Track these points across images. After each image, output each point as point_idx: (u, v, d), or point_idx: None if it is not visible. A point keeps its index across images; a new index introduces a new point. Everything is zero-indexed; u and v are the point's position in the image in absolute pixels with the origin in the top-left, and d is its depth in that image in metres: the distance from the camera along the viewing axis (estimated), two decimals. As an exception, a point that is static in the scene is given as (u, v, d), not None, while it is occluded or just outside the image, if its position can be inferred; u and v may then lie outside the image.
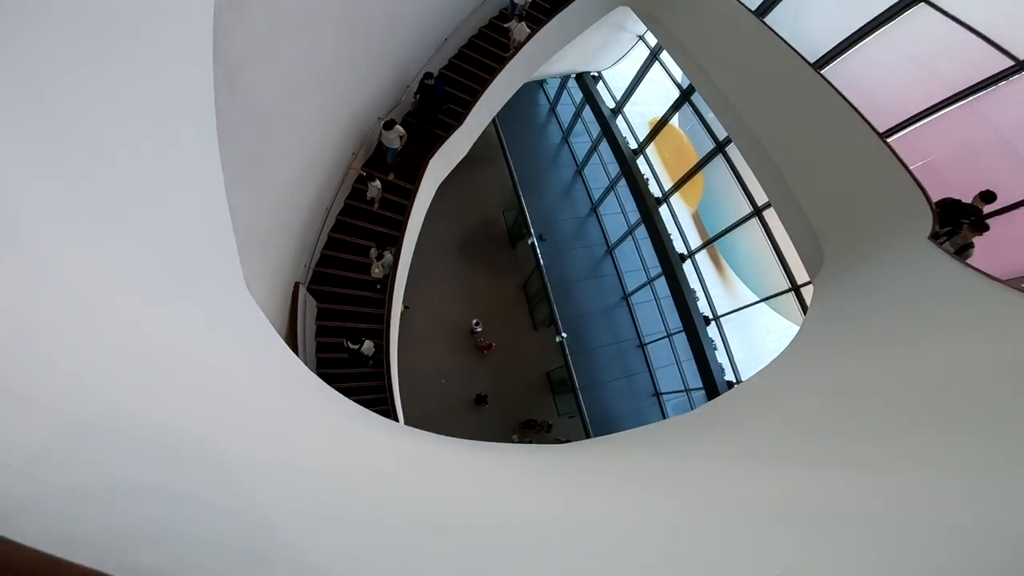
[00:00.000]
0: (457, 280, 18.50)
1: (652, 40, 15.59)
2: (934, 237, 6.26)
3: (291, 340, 8.66)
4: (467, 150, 11.85)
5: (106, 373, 1.70)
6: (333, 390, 5.42)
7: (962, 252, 6.23)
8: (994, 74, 8.08)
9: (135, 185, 2.54)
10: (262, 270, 7.44)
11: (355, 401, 5.50)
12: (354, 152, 10.30)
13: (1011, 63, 7.87)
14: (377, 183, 9.97)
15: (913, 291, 5.93)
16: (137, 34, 2.48)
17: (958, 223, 6.93)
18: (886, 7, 9.33)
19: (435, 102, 10.45)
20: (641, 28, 15.99)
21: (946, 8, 8.68)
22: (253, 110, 6.53)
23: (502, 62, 11.00)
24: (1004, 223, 7.50)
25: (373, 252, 9.99)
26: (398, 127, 9.69)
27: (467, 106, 10.78)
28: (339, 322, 10.19)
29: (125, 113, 2.48)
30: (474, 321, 17.37)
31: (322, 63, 8.08)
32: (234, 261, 4.02)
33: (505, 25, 11.51)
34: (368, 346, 9.71)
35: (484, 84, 10.88)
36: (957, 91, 8.47)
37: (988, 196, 7.13)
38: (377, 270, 10.10)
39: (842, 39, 10.02)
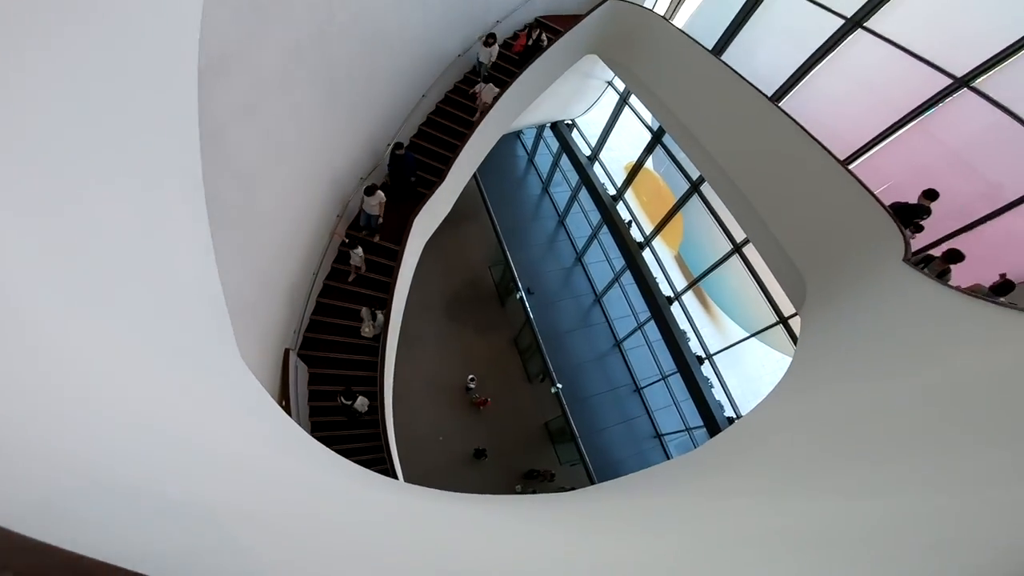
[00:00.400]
0: (448, 339, 18.51)
1: (621, 85, 16.09)
2: (912, 260, 6.46)
3: (284, 406, 8.60)
4: (450, 207, 12.00)
5: (109, 447, 1.71)
6: (334, 453, 5.38)
7: (942, 277, 6.39)
8: (935, 93, 8.44)
9: (126, 260, 2.56)
10: (251, 338, 7.45)
11: (354, 462, 5.44)
12: (338, 215, 10.43)
13: (949, 80, 8.24)
14: (359, 250, 10.05)
15: (895, 314, 6.09)
16: (123, 107, 2.54)
17: (912, 223, 7.50)
18: (827, 37, 9.77)
19: (405, 172, 10.63)
20: (609, 74, 16.52)
21: (881, 32, 9.12)
22: (237, 175, 6.66)
23: (471, 126, 11.19)
24: (975, 239, 7.70)
25: (364, 312, 10.02)
26: (379, 192, 9.81)
27: (447, 162, 10.94)
28: (331, 386, 10.12)
29: (116, 187, 2.51)
30: (468, 378, 17.32)
31: (303, 126, 8.29)
32: (227, 331, 4.04)
33: (471, 90, 11.79)
34: (362, 402, 9.66)
35: (457, 147, 11.05)
36: (905, 113, 8.82)
37: (931, 194, 7.56)
38: (367, 330, 10.10)
39: (793, 71, 10.43)
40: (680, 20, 13.64)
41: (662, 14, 13.08)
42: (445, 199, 11.44)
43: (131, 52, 2.60)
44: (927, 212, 7.58)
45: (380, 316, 10.02)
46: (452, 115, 11.98)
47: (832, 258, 7.94)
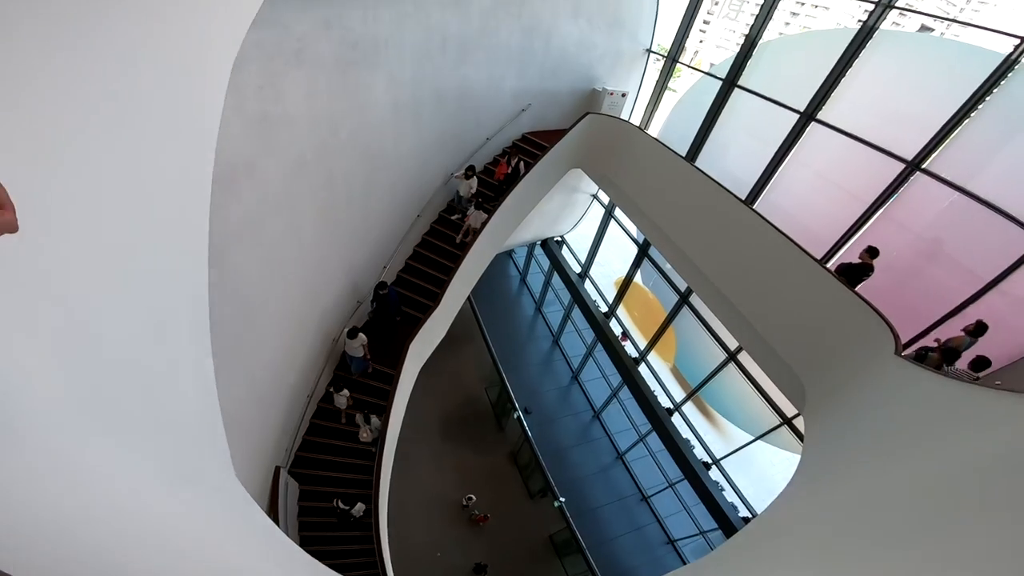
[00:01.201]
0: (445, 458, 18.09)
1: (606, 198, 16.70)
2: (908, 356, 6.56)
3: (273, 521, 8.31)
4: (446, 330, 12.09)
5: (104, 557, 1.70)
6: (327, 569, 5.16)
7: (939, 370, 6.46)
8: (892, 180, 8.87)
9: (131, 382, 2.55)
10: (243, 455, 7.32)
11: (346, 568, 5.19)
12: (334, 339, 10.55)
13: (902, 165, 8.69)
14: (345, 392, 10.10)
15: (895, 406, 6.10)
16: (135, 226, 2.53)
17: (859, 281, 7.90)
18: (787, 131, 10.37)
19: (390, 310, 10.80)
20: (594, 187, 17.22)
21: (832, 122, 9.69)
22: (237, 294, 6.80)
23: (465, 248, 11.41)
24: (961, 323, 7.86)
25: (359, 418, 9.90)
26: (361, 335, 9.88)
27: (442, 285, 11.06)
28: (326, 487, 9.90)
29: (127, 308, 2.53)
30: (466, 496, 16.79)
31: (303, 244, 8.54)
32: (224, 451, 3.99)
33: (453, 217, 12.17)
34: (359, 508, 9.48)
35: (451, 270, 11.22)
36: (869, 204, 9.20)
37: (873, 252, 8.04)
38: (365, 435, 9.97)
39: (762, 169, 10.92)
40: (655, 128, 14.46)
41: (638, 124, 13.95)
42: (441, 323, 11.51)
43: (151, 167, 2.67)
44: (871, 269, 7.99)
45: (375, 420, 9.89)
46: (446, 235, 12.35)
47: (827, 358, 7.95)
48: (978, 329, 6.84)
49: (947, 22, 10.08)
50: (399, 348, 10.31)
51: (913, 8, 9.42)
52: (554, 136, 12.16)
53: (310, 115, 8.12)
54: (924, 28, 10.27)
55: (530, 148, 13.21)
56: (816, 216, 10.14)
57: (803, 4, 10.15)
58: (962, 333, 6.93)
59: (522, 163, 12.01)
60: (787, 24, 12.10)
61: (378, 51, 9.15)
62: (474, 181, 11.75)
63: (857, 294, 7.59)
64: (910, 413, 5.74)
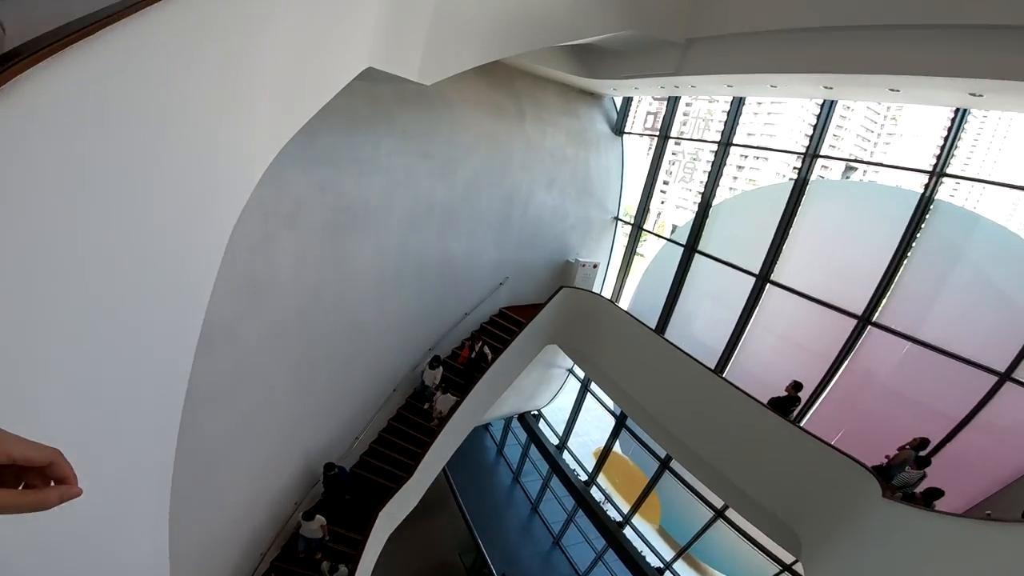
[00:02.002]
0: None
1: (582, 372, 16.89)
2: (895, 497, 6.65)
3: None
4: (419, 499, 11.58)
5: None
6: None
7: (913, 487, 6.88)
8: (848, 336, 9.32)
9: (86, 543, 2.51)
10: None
11: None
12: (296, 502, 10.09)
13: (855, 321, 9.21)
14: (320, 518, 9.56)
15: (891, 546, 6.15)
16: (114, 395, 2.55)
17: (789, 411, 8.46)
18: (746, 295, 10.95)
19: (341, 490, 10.52)
20: (570, 362, 17.47)
21: (786, 283, 10.32)
22: (195, 457, 6.61)
23: (432, 434, 11.14)
24: (943, 465, 7.90)
25: (325, 565, 9.15)
26: (319, 517, 9.45)
27: (416, 458, 10.72)
28: None
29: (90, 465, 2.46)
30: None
31: (277, 409, 8.42)
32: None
33: (424, 406, 12.08)
34: None
35: (426, 444, 10.90)
36: (831, 361, 9.58)
37: (797, 385, 8.76)
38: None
39: (728, 335, 11.35)
40: (626, 296, 15.12)
41: (610, 294, 14.60)
42: (414, 493, 11.11)
43: (143, 325, 2.70)
44: (798, 400, 8.70)
45: (343, 568, 9.06)
46: (421, 410, 12.21)
47: (816, 507, 7.92)
48: (921, 444, 7.35)
49: (867, 166, 11.20)
50: (362, 520, 9.83)
51: (834, 156, 10.44)
52: (530, 311, 12.63)
53: (297, 280, 8.44)
54: (848, 168, 11.27)
55: (507, 324, 13.57)
56: (785, 377, 10.44)
57: (745, 157, 11.48)
58: (907, 446, 7.42)
59: (487, 347, 12.24)
60: (735, 179, 13.36)
61: (368, 217, 9.78)
62: (439, 371, 11.83)
63: (836, 448, 7.74)
64: (907, 550, 5.89)
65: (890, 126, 11.86)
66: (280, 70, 3.99)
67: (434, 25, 7.38)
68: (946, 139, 8.32)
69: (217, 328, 6.72)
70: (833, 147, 10.80)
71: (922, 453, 7.30)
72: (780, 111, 13.37)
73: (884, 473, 7.28)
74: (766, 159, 12.72)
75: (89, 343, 2.18)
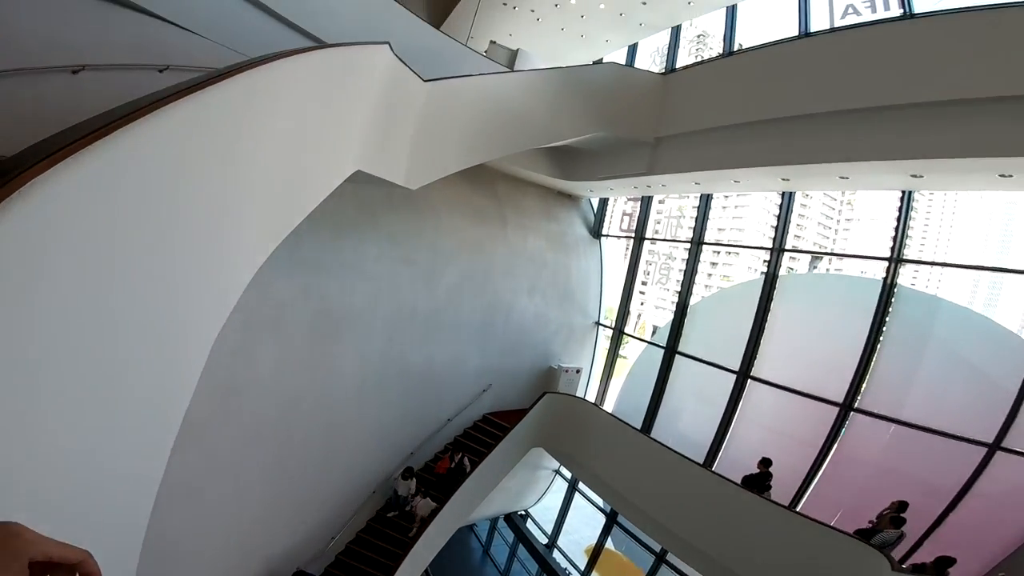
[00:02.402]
0: None
1: (569, 472, 16.60)
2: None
3: None
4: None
5: None
6: None
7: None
8: (833, 423, 9.41)
9: None
10: None
11: None
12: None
13: (837, 408, 9.34)
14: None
15: None
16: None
17: (764, 487, 8.70)
18: (729, 391, 11.05)
19: None
20: (556, 463, 17.18)
21: (767, 378, 10.47)
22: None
23: (412, 539, 10.57)
24: (950, 534, 7.83)
25: None
26: None
27: (396, 559, 10.11)
28: None
29: None
30: None
31: (247, 511, 8.17)
32: None
33: (389, 515, 11.55)
34: None
35: (402, 554, 10.26)
36: (820, 447, 9.60)
37: (766, 462, 8.98)
38: None
39: (715, 430, 11.35)
40: (610, 399, 15.05)
41: (594, 397, 14.60)
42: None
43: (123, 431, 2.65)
44: (769, 476, 8.87)
45: None
46: (403, 512, 11.77)
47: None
48: (900, 507, 7.60)
49: (830, 256, 11.65)
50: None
51: (798, 249, 10.93)
52: (514, 416, 12.52)
53: (276, 383, 8.43)
54: (814, 258, 11.73)
55: (491, 429, 13.41)
56: (775, 466, 10.50)
57: (718, 252, 11.96)
58: (886, 511, 7.68)
59: (467, 459, 12.02)
60: (710, 276, 13.75)
61: (351, 322, 9.90)
62: (412, 483, 11.41)
63: (834, 528, 7.65)
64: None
65: (847, 211, 12.40)
66: (274, 173, 4.18)
67: (419, 131, 7.84)
68: (898, 224, 8.83)
69: (190, 425, 6.60)
70: (798, 237, 11.28)
71: (903, 514, 7.48)
72: (747, 203, 13.92)
73: (868, 536, 7.45)
74: (737, 254, 13.17)
75: (60, 450, 2.12)
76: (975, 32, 6.74)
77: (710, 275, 13.57)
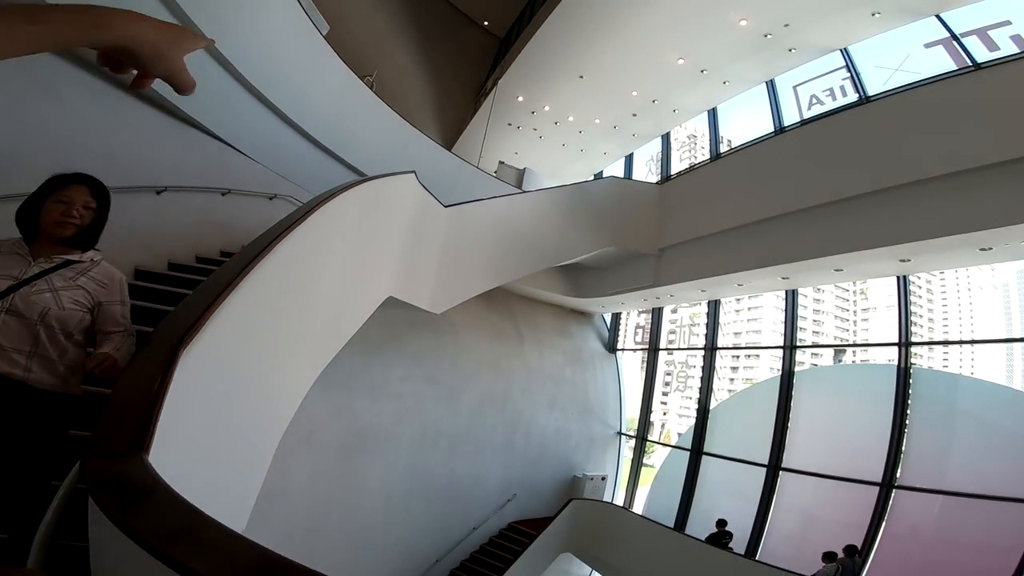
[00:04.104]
0: None
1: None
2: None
3: None
4: None
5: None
6: None
7: None
8: (876, 501, 9.21)
9: None
10: None
11: None
12: None
13: (877, 487, 9.22)
14: None
15: None
16: None
17: (723, 545, 9.40)
18: (761, 486, 10.96)
19: None
20: (587, 568, 16.45)
21: (799, 468, 10.44)
22: None
23: None
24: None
25: None
26: None
27: None
28: None
29: None
30: None
31: None
32: None
33: None
34: None
35: None
36: (867, 527, 9.34)
37: (722, 523, 9.82)
38: None
39: (751, 523, 11.06)
40: (638, 504, 14.70)
41: (621, 502, 14.32)
42: None
43: None
44: (729, 535, 9.70)
45: None
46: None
47: None
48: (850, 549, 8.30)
49: (844, 348, 11.84)
50: None
51: (808, 344, 11.27)
52: (540, 524, 12.43)
53: (308, 494, 8.67)
54: (837, 352, 12.04)
55: (517, 536, 13.15)
56: (817, 550, 10.18)
57: (737, 357, 12.22)
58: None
59: None
60: (732, 380, 13.94)
61: (379, 439, 10.20)
62: None
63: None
64: None
65: (863, 302, 12.81)
66: (330, 300, 4.80)
67: (442, 256, 8.52)
68: (899, 309, 9.22)
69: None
70: (817, 332, 11.61)
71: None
72: (761, 304, 14.41)
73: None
74: (757, 356, 13.45)
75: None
76: (926, 108, 7.49)
77: (732, 379, 13.78)
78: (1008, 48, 7.49)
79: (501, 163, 16.03)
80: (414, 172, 7.44)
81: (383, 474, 10.42)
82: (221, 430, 2.89)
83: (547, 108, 15.28)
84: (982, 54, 7.65)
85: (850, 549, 8.50)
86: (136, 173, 6.18)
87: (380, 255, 6.70)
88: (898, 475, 9.19)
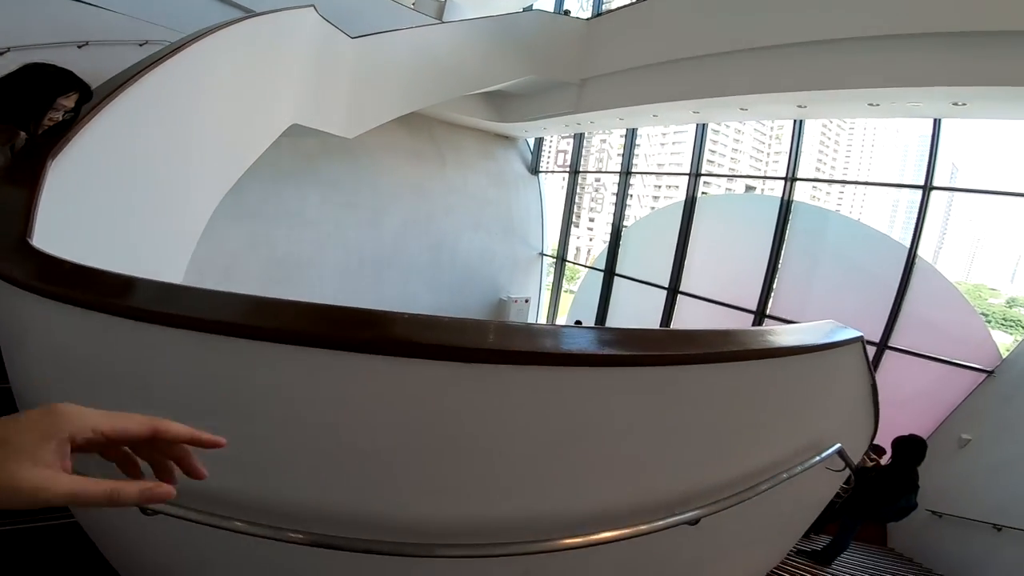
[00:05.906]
0: None
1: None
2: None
3: None
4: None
5: None
6: None
7: None
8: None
9: None
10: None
11: None
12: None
13: (752, 314, 10.24)
14: None
15: None
16: None
17: None
18: (660, 308, 11.92)
19: None
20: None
21: (693, 292, 11.43)
22: None
23: None
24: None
25: None
26: None
27: None
28: None
29: None
30: None
31: None
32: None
33: None
34: None
35: None
36: None
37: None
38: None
39: None
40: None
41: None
42: None
43: None
44: None
45: None
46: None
47: None
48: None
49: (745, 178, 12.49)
50: None
51: (713, 173, 11.85)
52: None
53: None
54: (748, 187, 12.80)
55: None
56: None
57: (659, 187, 12.83)
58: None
59: None
60: (652, 208, 14.78)
61: (301, 269, 10.37)
62: None
63: None
64: None
65: (775, 144, 13.25)
66: (222, 128, 4.82)
67: (354, 84, 8.30)
68: (791, 149, 9.79)
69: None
70: (733, 166, 11.98)
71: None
72: (683, 139, 14.66)
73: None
74: (676, 186, 13.93)
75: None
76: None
77: (652, 208, 14.42)
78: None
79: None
80: (313, 6, 7.16)
81: (309, 304, 10.74)
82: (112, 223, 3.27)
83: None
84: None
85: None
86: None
87: (276, 86, 6.60)
88: (770, 305, 10.17)
